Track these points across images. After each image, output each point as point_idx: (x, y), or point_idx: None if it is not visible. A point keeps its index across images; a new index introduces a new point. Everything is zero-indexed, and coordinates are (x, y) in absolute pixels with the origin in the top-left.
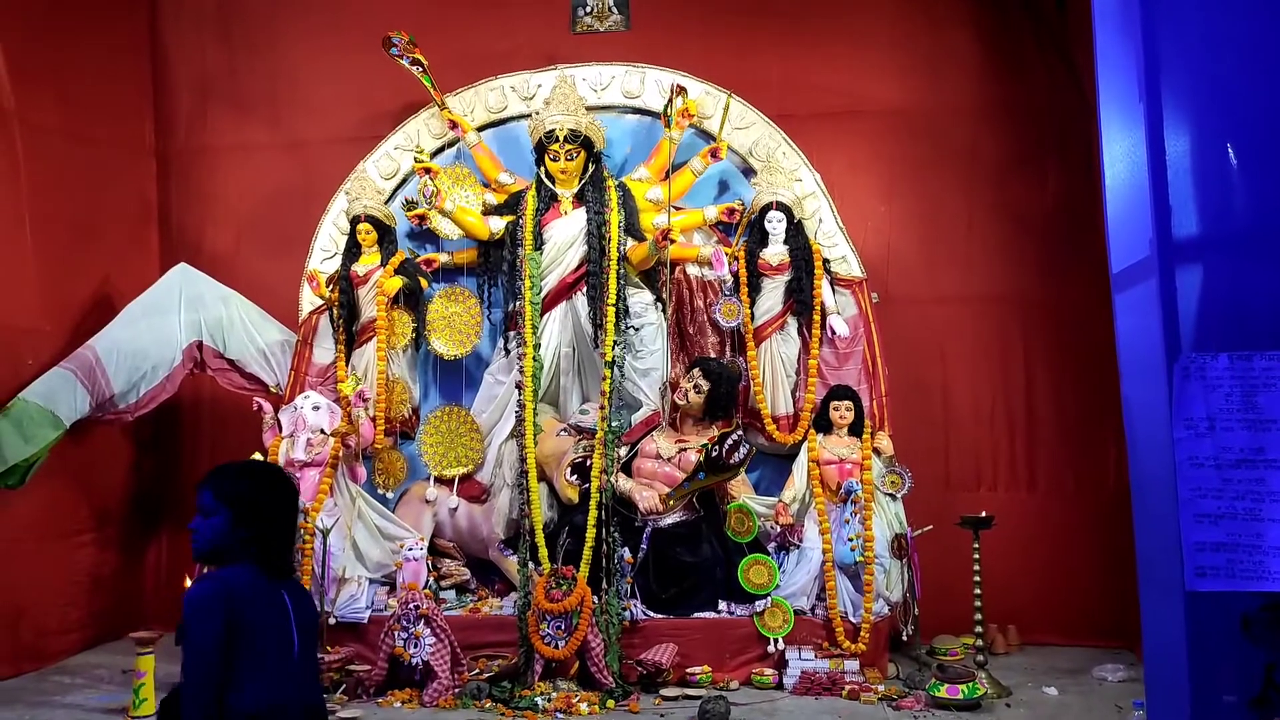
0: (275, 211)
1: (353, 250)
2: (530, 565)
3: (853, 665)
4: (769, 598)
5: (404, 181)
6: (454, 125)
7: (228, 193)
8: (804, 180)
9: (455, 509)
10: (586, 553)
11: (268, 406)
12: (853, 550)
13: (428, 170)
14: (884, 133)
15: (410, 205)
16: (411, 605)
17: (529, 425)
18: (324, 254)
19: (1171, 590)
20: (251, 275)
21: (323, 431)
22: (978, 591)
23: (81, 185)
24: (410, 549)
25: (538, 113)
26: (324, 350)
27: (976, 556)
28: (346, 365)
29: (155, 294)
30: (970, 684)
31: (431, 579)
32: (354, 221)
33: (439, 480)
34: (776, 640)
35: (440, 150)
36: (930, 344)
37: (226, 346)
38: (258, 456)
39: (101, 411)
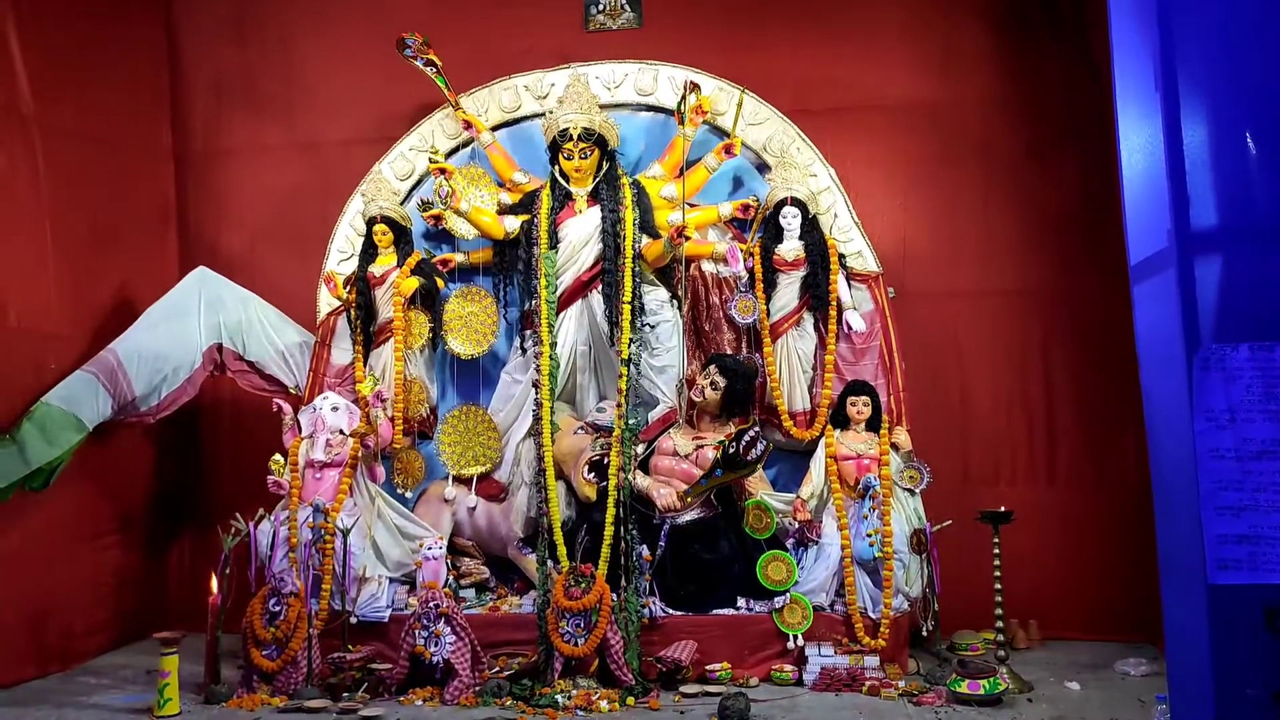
0: (291, 213)
1: (369, 251)
2: (549, 563)
3: (873, 661)
4: (788, 594)
5: (419, 182)
6: (468, 125)
7: (244, 195)
8: (818, 175)
9: (474, 508)
10: (605, 550)
11: (287, 408)
12: (871, 546)
13: (443, 171)
14: (899, 127)
15: (426, 206)
16: (432, 604)
17: (546, 424)
18: (341, 255)
19: (1193, 583)
20: (269, 277)
21: (341, 432)
22: (998, 586)
23: (100, 188)
24: (429, 548)
25: (551, 111)
26: (342, 351)
27: (997, 551)
28: (364, 366)
29: (175, 297)
30: (991, 679)
31: (451, 578)
32: (370, 223)
33: (457, 479)
34: (796, 637)
35: (455, 150)
36: (947, 338)
37: (246, 349)
38: (278, 458)
39: (123, 414)
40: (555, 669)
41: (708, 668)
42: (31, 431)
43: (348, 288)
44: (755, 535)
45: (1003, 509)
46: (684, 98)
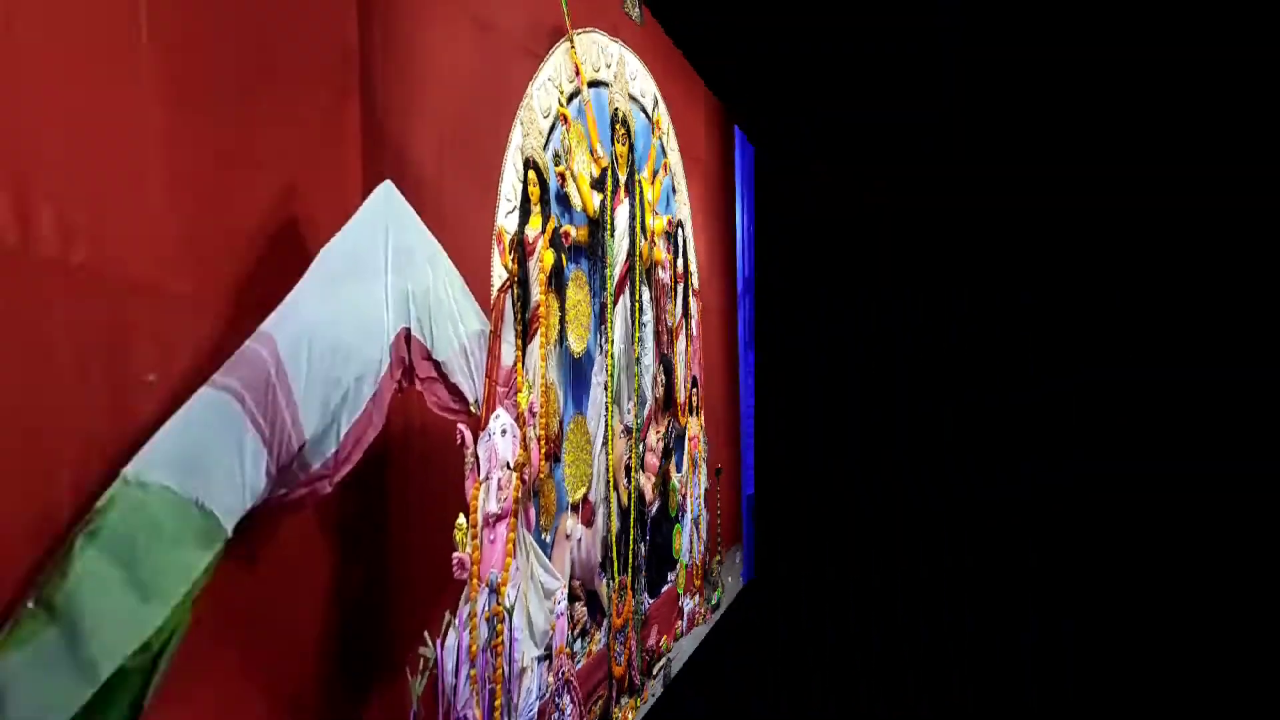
0: (471, 119)
1: (525, 205)
2: (609, 583)
3: (696, 597)
4: (680, 560)
5: (554, 126)
6: (576, 72)
7: (435, 72)
8: (687, 206)
9: (580, 539)
10: (629, 557)
11: (470, 437)
12: (698, 505)
13: (564, 119)
14: (704, 177)
15: (557, 158)
16: (561, 674)
17: (609, 428)
18: (507, 205)
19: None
20: (450, 218)
21: (508, 465)
22: (718, 520)
23: (237, 32)
24: (560, 602)
25: (609, 84)
26: (508, 345)
27: (719, 496)
28: (524, 368)
29: (356, 234)
30: (719, 588)
31: (570, 633)
32: (525, 166)
33: (573, 508)
34: (681, 593)
35: (571, 97)
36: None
37: (434, 341)
38: (461, 521)
39: (285, 486)
40: (614, 698)
41: (661, 645)
42: (100, 569)
43: (511, 254)
44: (672, 514)
45: (719, 467)
46: (654, 110)
